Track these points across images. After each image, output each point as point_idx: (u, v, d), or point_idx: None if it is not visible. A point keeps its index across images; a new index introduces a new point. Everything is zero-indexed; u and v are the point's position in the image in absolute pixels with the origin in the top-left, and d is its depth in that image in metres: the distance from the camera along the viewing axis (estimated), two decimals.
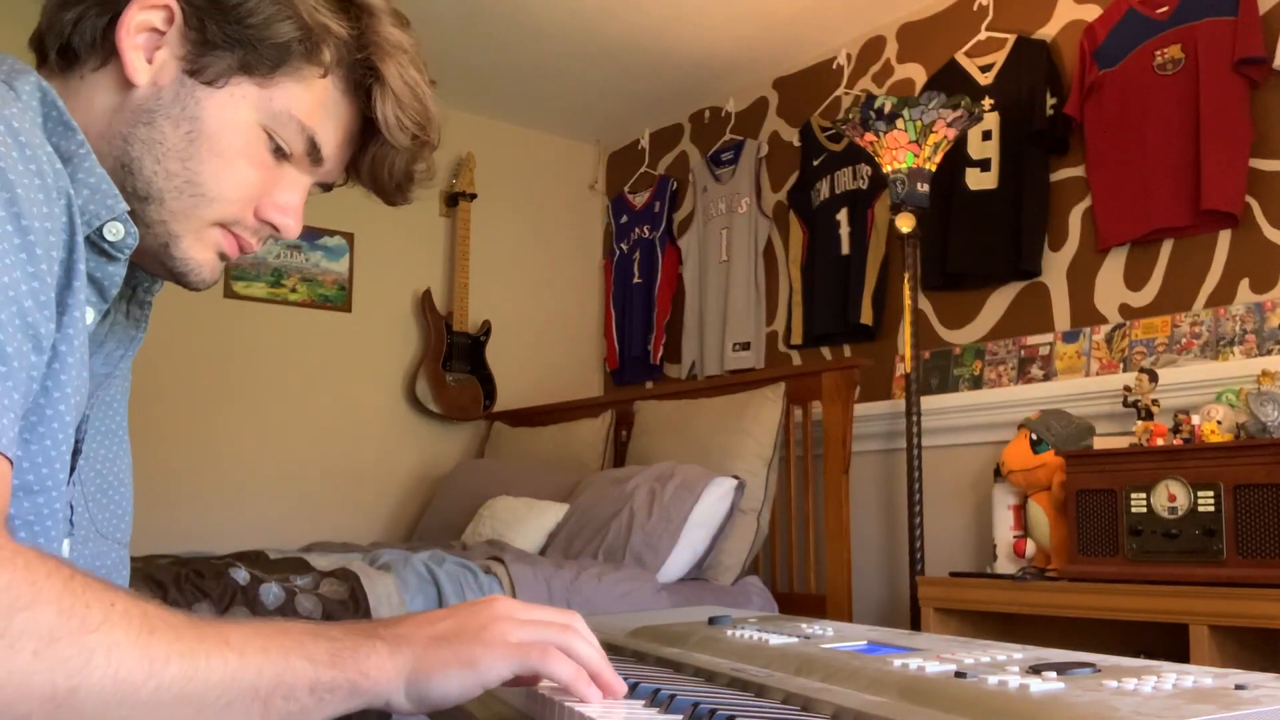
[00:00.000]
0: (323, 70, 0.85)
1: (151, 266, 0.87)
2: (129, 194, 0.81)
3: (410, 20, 0.92)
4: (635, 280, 4.34)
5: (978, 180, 3.11)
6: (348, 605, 2.26)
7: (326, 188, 0.93)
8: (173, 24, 0.81)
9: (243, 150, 0.84)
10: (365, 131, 0.89)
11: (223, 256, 0.88)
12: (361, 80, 0.87)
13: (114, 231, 0.78)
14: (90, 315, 0.80)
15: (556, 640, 0.75)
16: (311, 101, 0.85)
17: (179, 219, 0.83)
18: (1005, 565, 2.65)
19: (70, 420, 0.75)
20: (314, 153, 0.87)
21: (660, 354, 4.21)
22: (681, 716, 0.68)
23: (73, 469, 0.81)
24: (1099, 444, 2.53)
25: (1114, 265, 2.89)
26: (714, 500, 2.91)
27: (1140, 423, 2.41)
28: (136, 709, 0.63)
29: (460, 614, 0.75)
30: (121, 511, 0.92)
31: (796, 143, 3.79)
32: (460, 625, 0.74)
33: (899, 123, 2.79)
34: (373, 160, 0.91)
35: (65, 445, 0.75)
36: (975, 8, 3.26)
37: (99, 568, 0.87)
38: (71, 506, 0.83)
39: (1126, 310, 2.85)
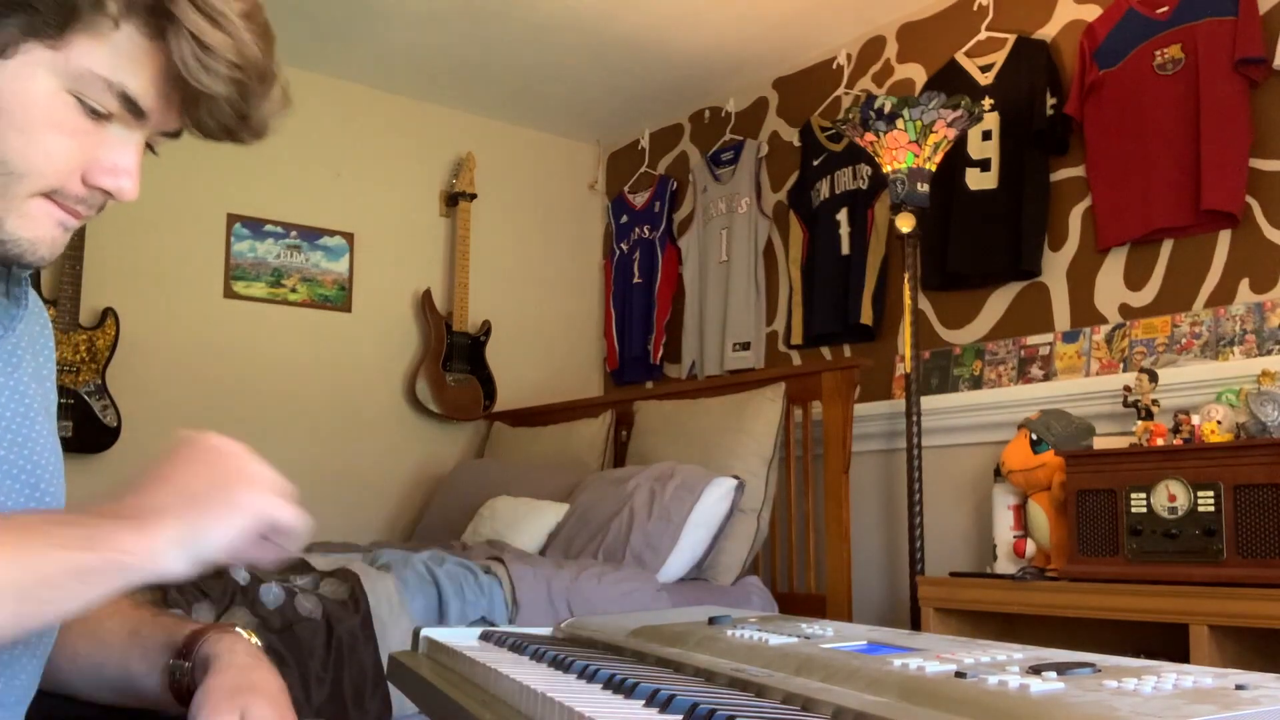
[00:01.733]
0: (113, 21, 0.77)
1: None
2: None
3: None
4: (635, 280, 4.34)
5: (978, 180, 3.11)
6: (348, 605, 2.26)
7: (173, 134, 0.86)
8: None
9: (46, 120, 0.78)
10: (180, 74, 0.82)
11: (61, 226, 0.83)
12: (159, 23, 0.79)
13: None
14: None
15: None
16: (111, 55, 0.78)
17: None
18: (1005, 565, 2.65)
19: None
20: (132, 106, 0.80)
21: (660, 354, 4.21)
22: (681, 717, 0.68)
23: None
24: (1099, 444, 2.53)
25: (1114, 265, 2.89)
26: (714, 500, 2.91)
27: (1140, 423, 2.41)
28: None
29: (174, 474, 0.80)
30: (39, 496, 0.89)
31: (796, 143, 3.79)
32: (193, 474, 0.79)
33: (899, 123, 2.79)
34: (192, 105, 0.82)
35: None
36: (975, 8, 3.26)
37: None
38: None
39: (1126, 310, 2.85)
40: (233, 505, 0.76)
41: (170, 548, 0.73)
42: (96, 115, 0.80)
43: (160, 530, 0.74)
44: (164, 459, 0.81)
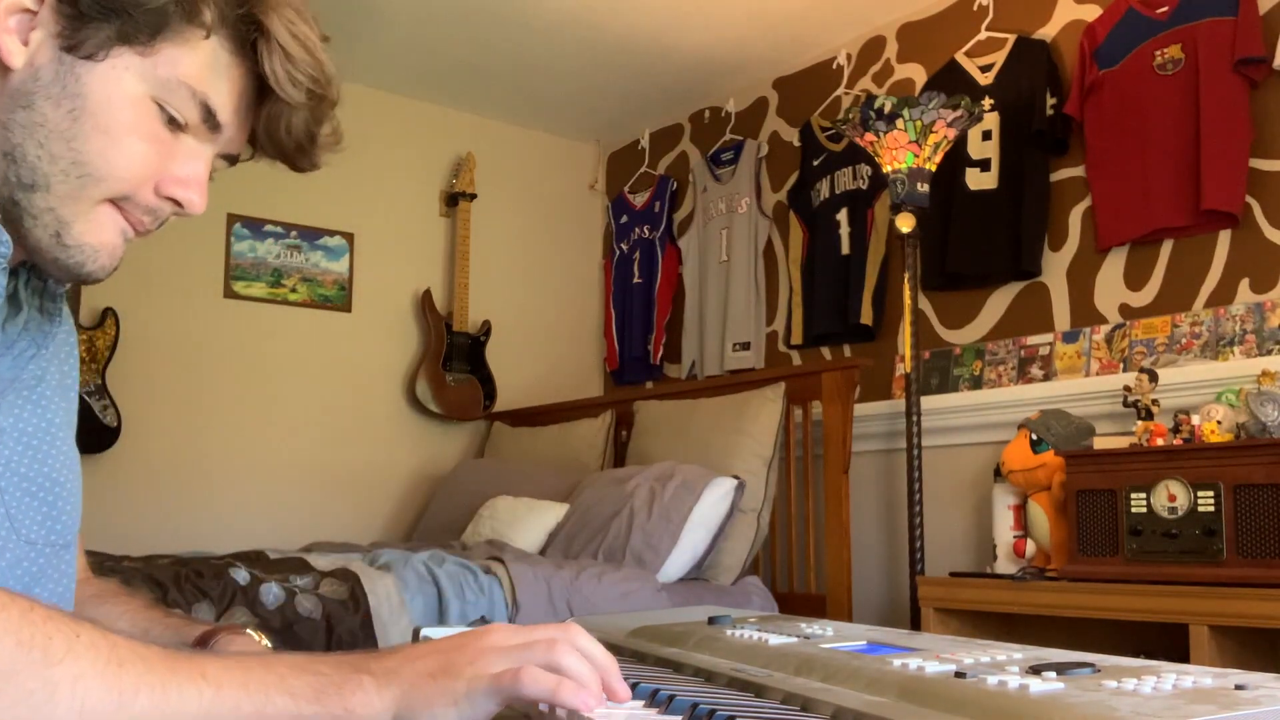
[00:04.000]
0: (205, 31, 0.80)
1: (47, 266, 0.83)
2: (14, 185, 0.78)
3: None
4: (635, 280, 4.34)
5: (978, 180, 3.11)
6: (348, 605, 2.26)
7: (231, 160, 0.89)
8: (44, 2, 0.78)
9: (131, 124, 0.80)
10: (259, 91, 0.85)
11: (123, 236, 0.84)
12: (247, 36, 0.82)
13: None
14: None
15: (539, 659, 0.72)
16: (199, 65, 0.80)
17: (67, 203, 0.79)
18: (1005, 565, 2.64)
19: None
20: (210, 118, 0.82)
21: (660, 354, 4.21)
22: (681, 717, 0.68)
23: None
24: (1099, 444, 2.53)
25: (1114, 265, 2.89)
26: (714, 500, 2.91)
27: (1140, 423, 2.41)
28: None
29: (450, 648, 0.73)
30: (55, 513, 0.88)
31: (796, 143, 3.79)
32: (448, 661, 0.72)
33: (899, 123, 2.79)
34: (269, 121, 0.86)
35: None
36: (975, 8, 3.26)
37: (20, 575, 0.83)
38: None
39: (1126, 310, 2.85)
40: (451, 698, 0.70)
41: (388, 718, 0.70)
42: (174, 125, 0.81)
43: (387, 698, 0.70)
44: (475, 633, 0.75)
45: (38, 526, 0.86)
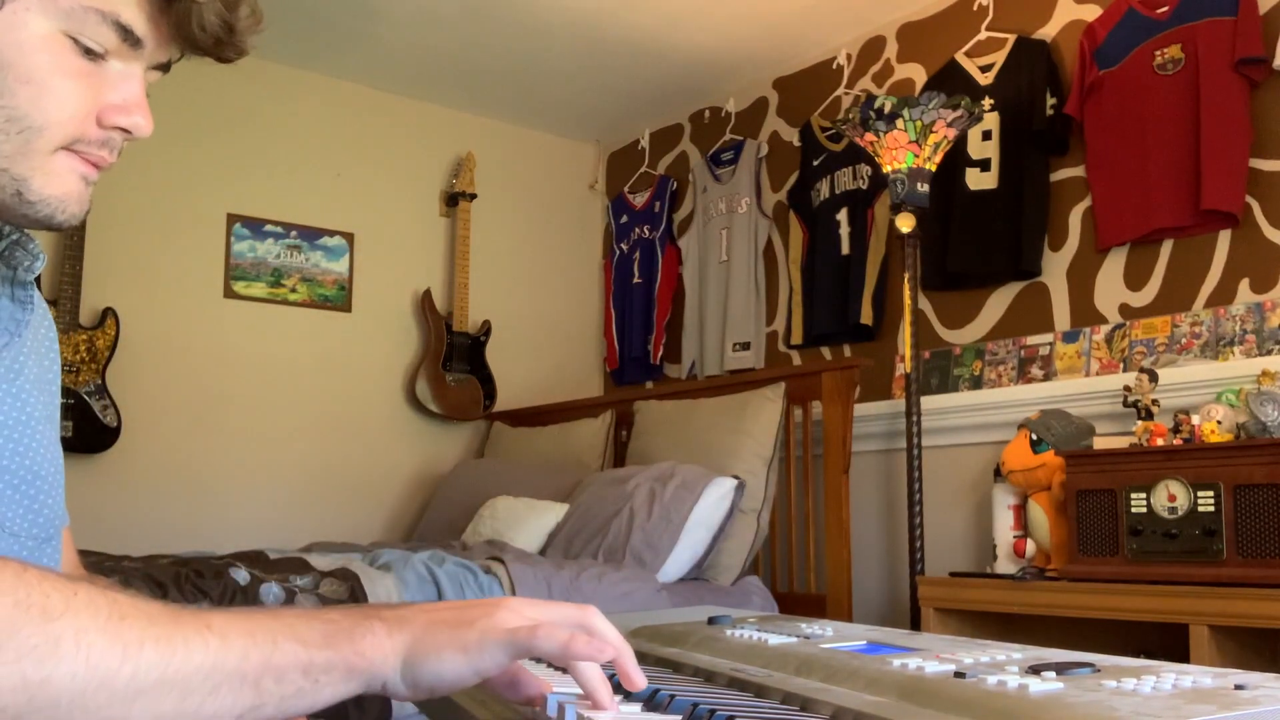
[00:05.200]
0: None
1: (15, 219, 0.81)
2: None
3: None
4: (635, 280, 4.34)
5: (978, 180, 3.11)
6: (347, 605, 2.26)
7: (164, 69, 0.84)
8: None
9: (52, 65, 0.76)
10: None
11: (85, 181, 0.81)
12: None
13: None
14: None
15: (573, 618, 0.72)
16: None
17: (17, 160, 0.77)
18: (1005, 565, 2.64)
19: None
20: (128, 36, 0.78)
21: (660, 354, 4.21)
22: (681, 717, 0.68)
23: None
24: (1099, 444, 2.53)
25: (1114, 265, 2.89)
26: (714, 500, 2.91)
27: (1140, 423, 2.41)
28: (115, 696, 0.61)
29: (465, 604, 0.73)
30: (38, 506, 0.87)
31: (796, 143, 3.79)
32: (462, 612, 0.72)
33: (899, 123, 2.79)
34: (180, 20, 0.80)
35: None
36: (975, 8, 3.26)
37: None
38: None
39: (1126, 310, 2.85)
40: (461, 645, 0.70)
41: (398, 662, 0.69)
42: (92, 55, 0.78)
43: (398, 642, 0.70)
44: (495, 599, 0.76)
45: (20, 519, 0.85)
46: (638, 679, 0.73)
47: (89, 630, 0.61)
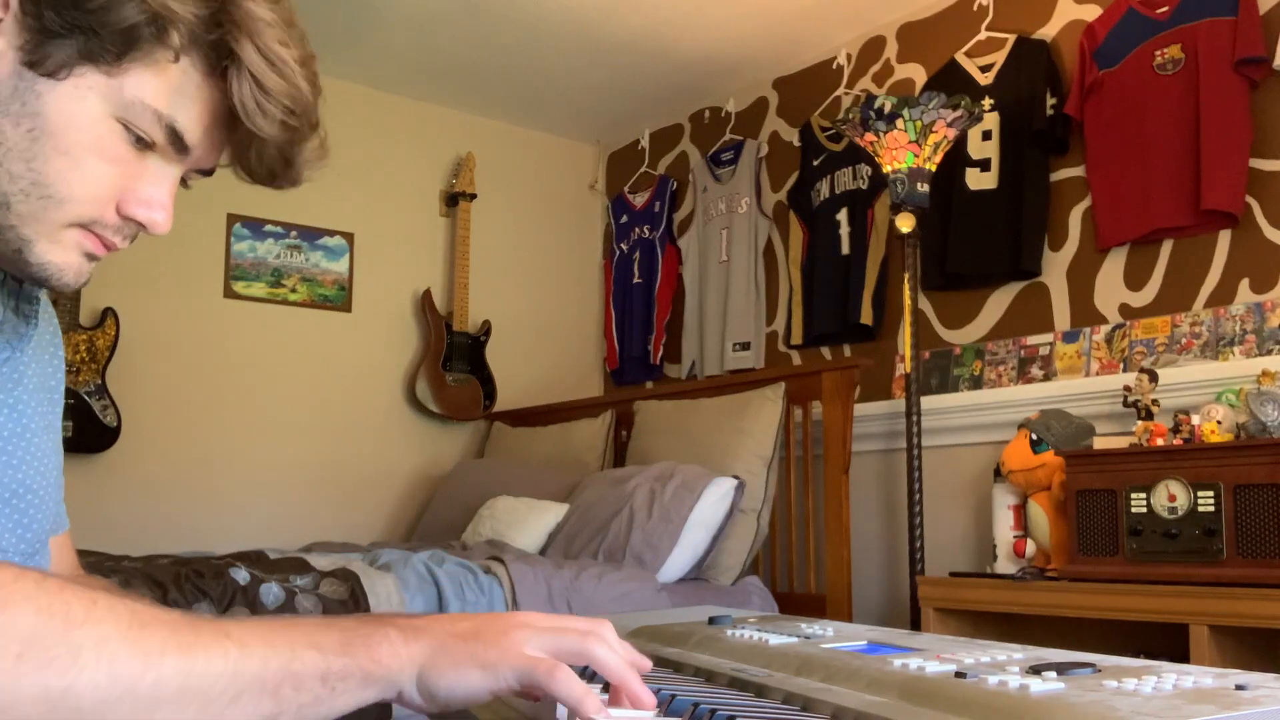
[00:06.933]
0: (174, 54, 0.76)
1: (12, 270, 0.81)
2: None
3: None
4: (635, 280, 4.34)
5: (978, 180, 3.11)
6: (348, 605, 2.26)
7: (207, 173, 0.86)
8: (8, 12, 0.74)
9: (92, 145, 0.77)
10: (233, 113, 0.81)
11: (89, 257, 0.82)
12: (219, 61, 0.78)
13: None
14: None
15: (572, 646, 0.72)
16: (167, 88, 0.77)
17: (29, 223, 0.77)
18: (1005, 565, 2.65)
19: None
20: (177, 141, 0.79)
21: (660, 354, 4.21)
22: (682, 717, 0.68)
23: None
24: (1099, 444, 2.53)
25: (1114, 265, 2.89)
26: (714, 500, 2.91)
27: (1140, 423, 2.41)
28: (138, 705, 0.61)
29: (481, 618, 0.73)
30: (27, 521, 0.86)
31: (796, 143, 3.79)
32: (479, 628, 0.72)
33: (899, 123, 2.79)
34: (240, 146, 0.82)
35: None
36: (975, 8, 3.26)
37: None
38: None
39: (1126, 310, 2.85)
40: (480, 662, 0.70)
41: (415, 671, 0.70)
42: (140, 145, 0.79)
43: (415, 651, 0.70)
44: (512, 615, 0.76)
45: (7, 534, 0.84)
46: (647, 699, 0.72)
47: (110, 639, 0.61)
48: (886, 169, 2.87)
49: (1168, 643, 2.18)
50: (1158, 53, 2.77)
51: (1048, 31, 3.10)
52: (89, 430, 3.37)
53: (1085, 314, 2.93)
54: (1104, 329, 2.85)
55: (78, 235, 0.80)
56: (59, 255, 0.80)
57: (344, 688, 0.67)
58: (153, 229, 0.82)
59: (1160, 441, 2.34)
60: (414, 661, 0.70)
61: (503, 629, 0.72)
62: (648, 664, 0.75)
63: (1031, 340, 3.00)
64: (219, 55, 0.78)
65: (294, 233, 3.93)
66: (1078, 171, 2.98)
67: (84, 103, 0.76)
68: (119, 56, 0.75)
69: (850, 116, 2.91)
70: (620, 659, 0.72)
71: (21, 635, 0.58)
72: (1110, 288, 2.89)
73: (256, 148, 0.81)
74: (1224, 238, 2.67)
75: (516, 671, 0.70)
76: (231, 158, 0.83)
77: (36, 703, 0.58)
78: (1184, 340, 2.67)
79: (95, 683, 0.59)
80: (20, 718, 0.58)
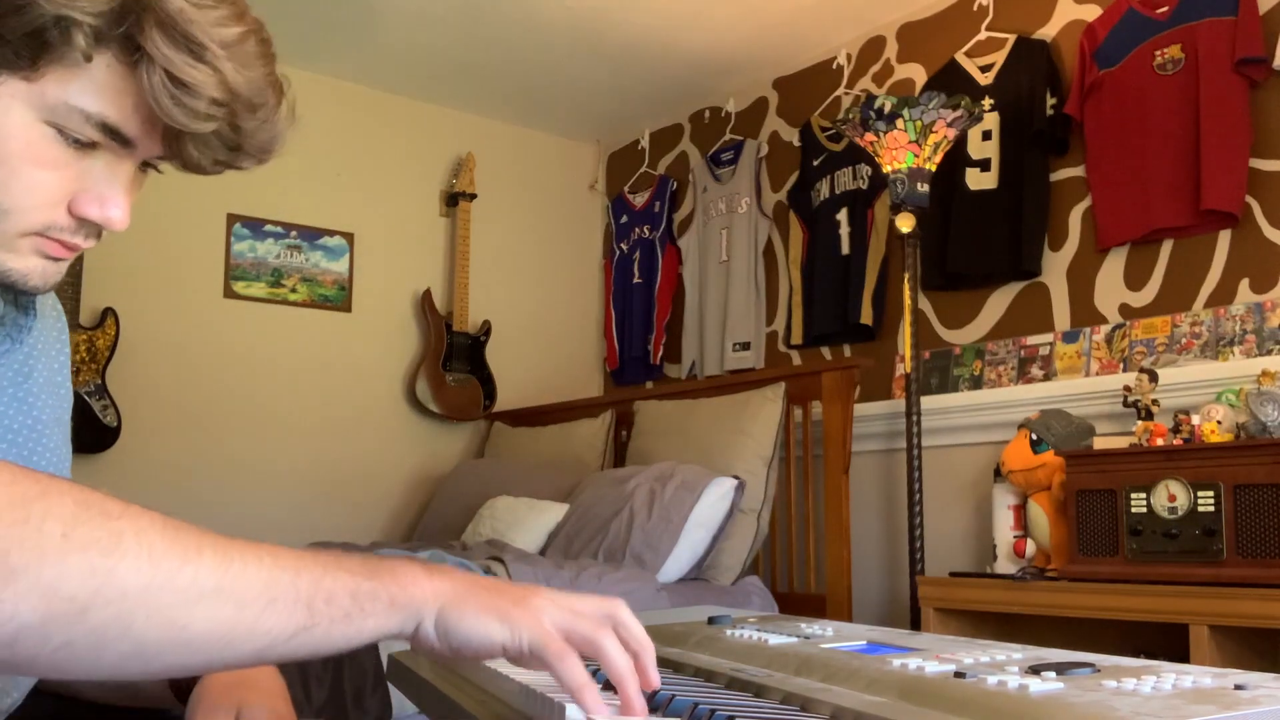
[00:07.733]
0: (83, 54, 0.73)
1: None
2: None
3: None
4: (635, 280, 4.34)
5: (978, 180, 3.11)
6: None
7: (181, 162, 0.82)
8: None
9: (25, 153, 0.75)
10: None
11: (53, 259, 0.80)
12: (131, 55, 0.74)
13: None
14: None
15: (585, 631, 0.72)
16: (92, 85, 0.75)
17: None
18: (1005, 565, 2.65)
19: None
20: (117, 136, 0.77)
21: (660, 354, 4.21)
22: (681, 717, 0.68)
23: None
24: (1099, 444, 2.53)
25: (1114, 265, 2.89)
26: (714, 500, 2.91)
27: (1140, 423, 2.41)
28: (178, 598, 0.61)
29: (502, 581, 0.75)
30: None
31: (796, 143, 3.79)
32: (503, 587, 0.73)
33: (899, 123, 2.79)
34: (177, 137, 0.78)
35: None
36: (975, 8, 3.26)
37: None
38: None
39: (1126, 310, 2.85)
40: (501, 613, 0.71)
41: (437, 605, 0.70)
42: (80, 145, 0.77)
43: (439, 586, 0.71)
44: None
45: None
46: (654, 679, 0.73)
47: (148, 531, 0.61)
48: (886, 169, 2.87)
49: (1168, 643, 2.18)
50: (1158, 53, 2.77)
51: (1048, 31, 3.10)
52: (89, 430, 3.36)
53: (1085, 314, 2.93)
54: (1104, 329, 2.85)
55: (33, 242, 0.78)
56: (19, 263, 0.79)
57: (371, 608, 0.68)
58: (109, 226, 0.80)
59: (1160, 441, 2.34)
60: (438, 596, 0.70)
61: (524, 594, 0.73)
62: (656, 680, 0.73)
63: (1031, 340, 3.00)
64: (130, 49, 0.75)
65: (294, 233, 3.93)
66: (1078, 171, 2.98)
67: (10, 112, 0.74)
68: (33, 61, 0.73)
69: (850, 116, 2.91)
70: (626, 662, 0.72)
71: (64, 517, 0.59)
72: (1110, 288, 2.89)
73: (191, 140, 0.78)
74: (1224, 238, 2.67)
75: (533, 638, 0.70)
76: (167, 151, 0.80)
77: (85, 578, 0.58)
78: (1184, 340, 2.67)
79: (138, 567, 0.60)
80: (69, 594, 0.58)
